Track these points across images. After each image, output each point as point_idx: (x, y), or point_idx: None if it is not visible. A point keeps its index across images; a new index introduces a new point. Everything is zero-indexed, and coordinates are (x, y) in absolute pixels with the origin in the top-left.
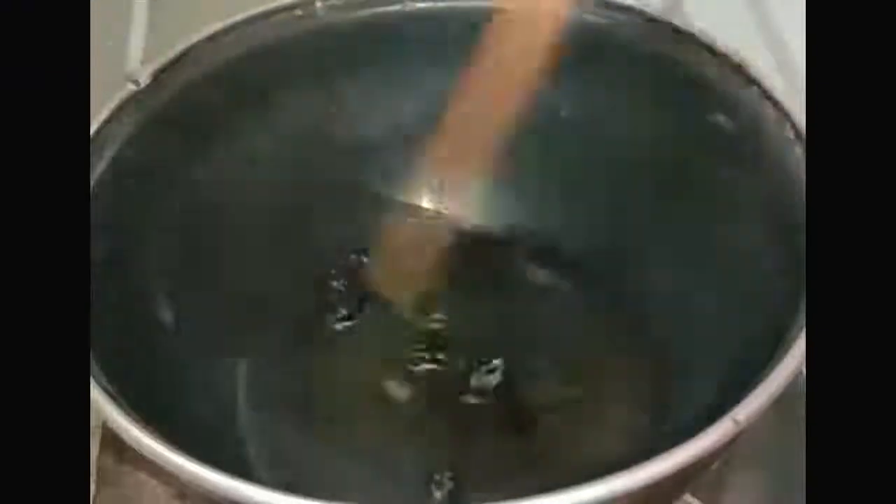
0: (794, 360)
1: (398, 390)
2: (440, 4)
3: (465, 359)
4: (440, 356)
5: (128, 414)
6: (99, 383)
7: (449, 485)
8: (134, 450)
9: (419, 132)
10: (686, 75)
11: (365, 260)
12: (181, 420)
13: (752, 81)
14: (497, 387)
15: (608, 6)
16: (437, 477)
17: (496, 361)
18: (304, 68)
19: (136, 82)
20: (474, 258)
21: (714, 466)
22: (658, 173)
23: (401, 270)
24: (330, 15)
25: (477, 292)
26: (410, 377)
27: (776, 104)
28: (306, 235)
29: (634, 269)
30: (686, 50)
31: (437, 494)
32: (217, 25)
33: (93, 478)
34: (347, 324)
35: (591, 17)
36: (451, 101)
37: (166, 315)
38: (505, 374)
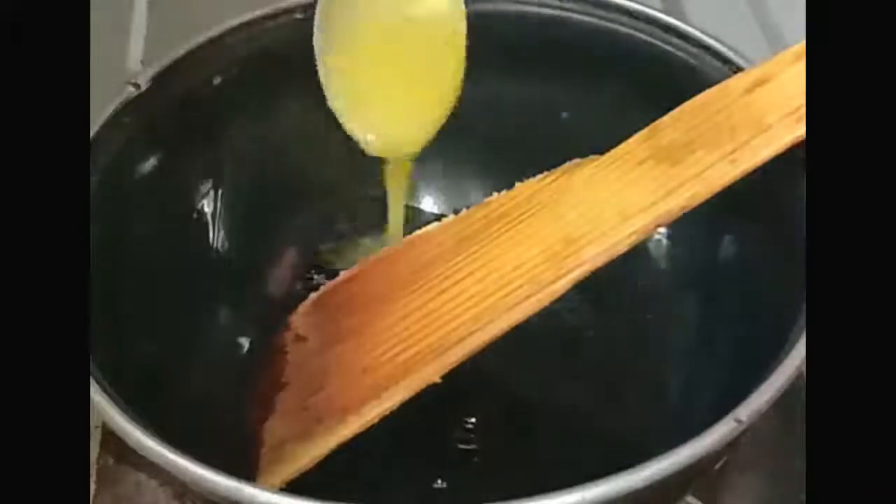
0: (795, 359)
1: None
2: None
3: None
4: None
5: (128, 414)
6: (99, 383)
7: (449, 485)
8: (134, 450)
9: None
10: (686, 75)
11: None
12: (181, 420)
13: None
14: (497, 386)
15: (607, 7)
16: (438, 476)
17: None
18: (304, 71)
19: (136, 85)
20: None
21: (716, 467)
22: None
23: None
24: None
25: None
26: None
27: None
28: (306, 237)
29: (634, 269)
30: (686, 50)
31: (438, 494)
32: (218, 28)
33: (93, 478)
34: None
35: (590, 19)
36: None
37: (166, 315)
38: (505, 373)
